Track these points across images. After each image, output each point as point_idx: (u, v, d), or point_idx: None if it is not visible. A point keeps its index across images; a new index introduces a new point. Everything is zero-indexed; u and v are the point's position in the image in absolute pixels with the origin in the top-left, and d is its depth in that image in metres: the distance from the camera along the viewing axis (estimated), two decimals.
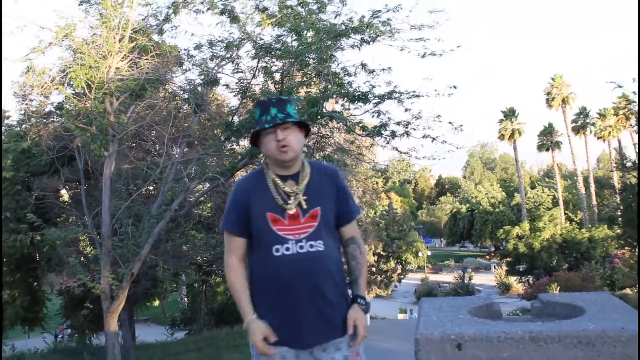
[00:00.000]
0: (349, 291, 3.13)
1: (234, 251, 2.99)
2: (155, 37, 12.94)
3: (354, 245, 3.08)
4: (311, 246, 2.87)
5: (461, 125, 11.71)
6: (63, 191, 17.33)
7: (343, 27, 11.57)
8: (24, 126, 15.74)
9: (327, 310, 2.91)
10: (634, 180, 9.66)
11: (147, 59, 12.43)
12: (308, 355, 2.91)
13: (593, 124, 56.17)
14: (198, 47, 12.85)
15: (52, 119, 14.59)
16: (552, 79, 56.38)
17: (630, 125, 46.08)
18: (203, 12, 12.40)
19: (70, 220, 16.18)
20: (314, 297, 2.87)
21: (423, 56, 11.60)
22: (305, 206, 2.91)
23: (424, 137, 11.89)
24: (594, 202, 56.03)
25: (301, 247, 2.86)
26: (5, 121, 17.29)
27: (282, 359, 2.87)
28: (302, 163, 3.02)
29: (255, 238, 2.96)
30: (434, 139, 11.85)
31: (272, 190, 2.93)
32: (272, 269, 2.88)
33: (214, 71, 13.08)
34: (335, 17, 11.79)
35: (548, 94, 56.44)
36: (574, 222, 54.67)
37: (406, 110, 11.88)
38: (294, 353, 2.89)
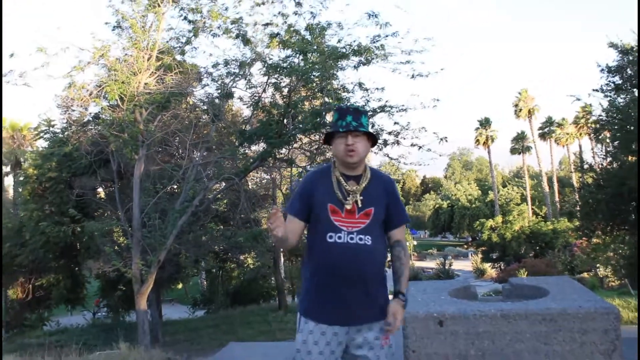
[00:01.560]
0: (390, 287, 3.13)
1: (291, 231, 2.91)
2: (178, 57, 12.97)
3: (399, 248, 3.06)
4: (360, 239, 2.86)
5: (445, 137, 11.81)
6: (99, 189, 17.35)
7: (344, 50, 11.61)
8: (66, 133, 15.75)
9: (365, 296, 2.89)
10: (590, 180, 9.64)
11: (172, 76, 12.45)
12: (344, 333, 2.88)
13: (554, 132, 56.13)
14: (215, 65, 12.89)
15: (90, 127, 14.59)
16: (519, 93, 56.38)
17: (588, 133, 45.97)
18: (219, 36, 12.43)
19: (106, 214, 16.21)
20: (355, 282, 2.86)
21: (412, 77, 11.68)
22: (360, 205, 2.90)
23: (412, 145, 11.98)
24: (557, 199, 55.89)
25: (351, 239, 2.85)
26: (50, 129, 17.29)
27: (322, 334, 2.86)
28: (365, 167, 3.01)
29: (313, 224, 2.95)
30: (420, 147, 11.94)
31: (335, 186, 2.92)
32: (323, 252, 2.87)
33: (229, 86, 13.11)
34: (338, 41, 11.83)
35: (516, 105, 56.39)
36: (539, 216, 54.57)
37: (395, 123, 11.96)
38: (332, 332, 2.87)
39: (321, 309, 2.88)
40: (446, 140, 11.87)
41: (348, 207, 2.88)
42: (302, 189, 2.98)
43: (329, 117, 12.26)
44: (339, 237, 2.85)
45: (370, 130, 2.95)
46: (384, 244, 3.03)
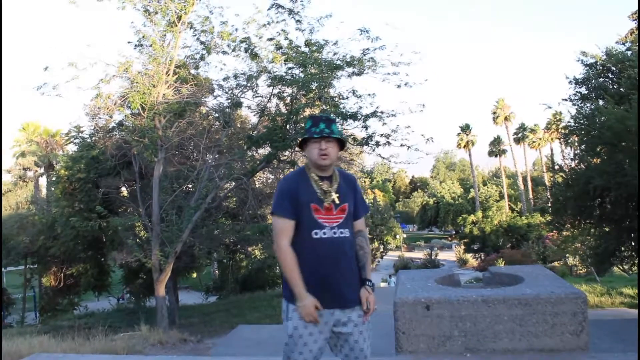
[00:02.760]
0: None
1: (287, 235, 2.91)
2: (193, 71, 12.99)
3: (361, 237, 3.09)
4: (341, 233, 2.93)
5: (432, 137, 11.90)
6: (123, 188, 17.31)
7: (339, 62, 11.70)
8: (93, 139, 15.72)
9: (350, 282, 2.94)
10: (560, 180, 9.62)
11: (187, 87, 12.47)
12: (330, 315, 2.91)
13: (528, 137, 56.20)
14: (226, 78, 12.93)
15: (114, 133, 14.57)
16: (497, 102, 56.49)
17: (558, 137, 45.93)
18: (228, 54, 12.47)
19: (128, 210, 16.17)
20: (341, 270, 2.90)
21: (399, 87, 11.82)
22: (337, 201, 2.95)
23: (401, 146, 12.03)
24: (531, 196, 55.94)
25: (334, 233, 2.91)
26: (79, 134, 17.26)
27: (320, 317, 2.88)
28: (333, 170, 3.06)
29: (298, 222, 2.96)
30: (409, 147, 12.00)
31: (314, 186, 2.95)
32: (311, 247, 2.89)
33: (238, 96, 13.12)
34: (334, 54, 11.89)
35: (494, 113, 56.49)
36: (515, 212, 54.57)
37: (384, 124, 12.03)
38: (320, 313, 2.88)
39: (313, 296, 2.88)
40: (432, 141, 11.98)
41: (327, 205, 2.93)
42: (288, 191, 2.96)
43: None
44: (324, 233, 2.90)
45: (341, 136, 3.02)
46: (353, 234, 3.07)
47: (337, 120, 12.21)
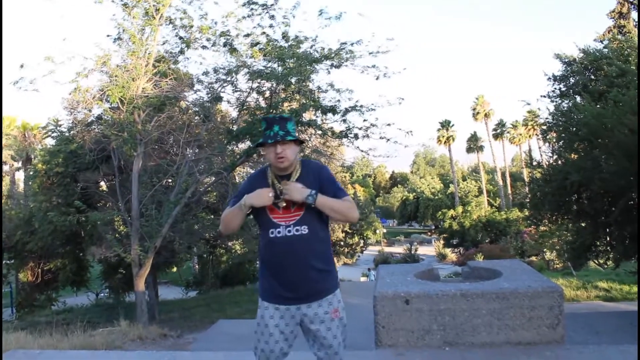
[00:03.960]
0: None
1: None
2: (172, 65, 12.90)
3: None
4: (297, 230, 2.89)
5: (411, 131, 11.99)
6: (102, 183, 17.14)
7: (317, 54, 11.72)
8: (71, 132, 15.53)
9: (309, 279, 2.91)
10: (538, 175, 9.73)
11: (167, 82, 12.39)
12: (295, 309, 2.93)
13: (508, 132, 56.72)
14: (205, 73, 12.86)
15: (93, 127, 14.42)
16: (476, 99, 56.93)
17: (536, 134, 46.47)
18: (208, 48, 12.41)
19: (107, 205, 16.02)
20: (299, 267, 2.88)
21: (377, 78, 11.90)
22: (283, 205, 2.92)
23: (380, 138, 12.10)
24: (509, 192, 56.51)
25: (289, 231, 2.88)
26: (57, 128, 17.05)
27: (276, 309, 2.92)
28: (294, 165, 3.00)
29: (258, 222, 3.02)
30: (388, 139, 12.07)
31: (271, 185, 2.95)
32: (268, 246, 2.93)
33: (218, 91, 13.07)
34: (311, 47, 11.90)
35: (474, 109, 56.92)
36: (494, 207, 55.10)
37: (364, 120, 12.07)
38: (284, 308, 2.92)
39: (271, 293, 2.95)
40: (411, 134, 12.08)
41: (282, 204, 2.91)
42: (243, 190, 3.01)
43: (306, 116, 12.37)
44: (279, 232, 2.90)
45: (295, 137, 2.95)
46: (324, 229, 3.03)
47: (317, 114, 12.24)
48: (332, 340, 2.96)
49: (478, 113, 56.36)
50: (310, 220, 2.92)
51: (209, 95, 13.17)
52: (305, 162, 3.07)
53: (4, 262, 20.95)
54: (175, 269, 29.37)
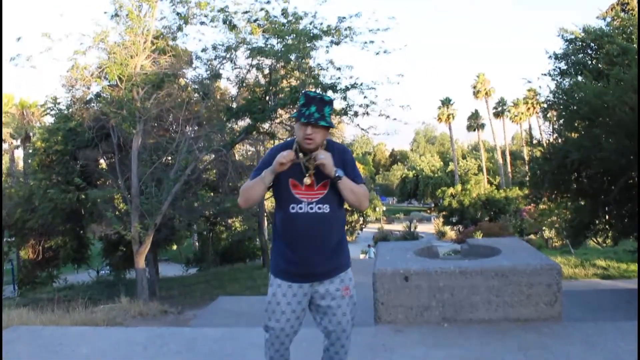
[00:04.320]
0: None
1: None
2: (171, 42, 12.83)
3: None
4: (319, 208, 2.86)
5: (408, 105, 11.99)
6: (101, 160, 17.12)
7: (317, 31, 11.66)
8: (70, 110, 15.47)
9: (325, 257, 2.91)
10: (538, 154, 9.71)
11: (165, 59, 12.34)
12: (308, 286, 2.93)
13: (509, 111, 56.49)
14: (204, 50, 12.81)
15: (92, 105, 14.38)
16: (477, 77, 56.59)
17: (537, 112, 46.30)
18: (206, 24, 12.32)
19: (107, 183, 16.04)
20: (315, 246, 2.87)
21: (377, 54, 11.88)
22: (308, 182, 2.88)
23: (380, 115, 12.10)
24: (509, 170, 56.50)
25: (311, 208, 2.86)
26: (56, 106, 16.98)
27: (289, 287, 2.91)
28: (322, 144, 2.94)
29: (277, 196, 2.96)
30: (387, 117, 12.07)
31: (299, 163, 2.89)
32: (287, 222, 2.89)
33: (217, 68, 13.01)
34: (310, 23, 11.83)
35: (474, 87, 56.64)
36: (493, 185, 55.13)
37: (365, 97, 12.05)
38: (297, 286, 2.92)
39: (287, 270, 2.92)
40: (410, 108, 12.09)
41: (307, 182, 2.88)
42: (267, 161, 2.91)
43: None
44: (300, 208, 2.86)
45: (329, 124, 2.87)
46: (342, 210, 3.03)
47: (315, 91, 12.21)
48: (342, 317, 2.97)
49: (479, 91, 56.10)
50: (331, 200, 2.91)
51: (208, 72, 13.12)
52: (330, 142, 3.02)
53: (5, 239, 21.05)
54: (175, 247, 29.50)
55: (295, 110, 2.95)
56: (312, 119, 2.80)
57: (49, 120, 19.06)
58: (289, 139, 3.14)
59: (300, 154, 2.89)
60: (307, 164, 2.87)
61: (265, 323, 2.98)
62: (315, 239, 2.87)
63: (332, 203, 2.91)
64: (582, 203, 9.48)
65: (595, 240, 11.54)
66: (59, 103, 16.40)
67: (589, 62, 10.24)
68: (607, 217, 9.20)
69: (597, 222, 9.47)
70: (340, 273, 2.97)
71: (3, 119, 37.40)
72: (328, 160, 2.80)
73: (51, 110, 17.16)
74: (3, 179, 21.63)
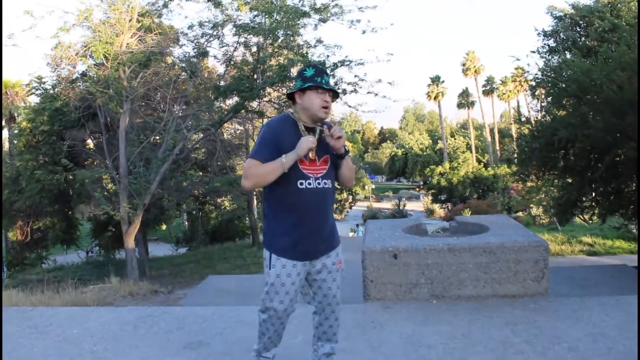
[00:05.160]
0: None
1: None
2: (157, 20, 12.68)
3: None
4: (325, 183, 2.88)
5: (394, 81, 12.01)
6: (89, 141, 17.00)
7: (306, 8, 11.57)
8: (56, 90, 15.31)
9: (329, 231, 2.95)
10: (526, 131, 9.74)
11: (151, 37, 12.19)
12: (308, 262, 2.93)
13: (497, 89, 56.48)
14: (191, 27, 12.66)
15: (78, 84, 14.23)
16: (467, 54, 56.43)
17: (525, 90, 46.38)
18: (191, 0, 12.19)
19: (95, 163, 15.95)
20: (322, 220, 2.89)
21: (364, 32, 11.82)
22: (320, 153, 2.88)
23: (368, 93, 12.08)
24: (497, 148, 56.72)
25: (318, 183, 2.85)
26: (41, 85, 16.78)
27: (294, 266, 2.87)
28: None
29: (282, 174, 2.84)
30: (376, 94, 12.05)
31: (300, 131, 2.85)
32: (297, 198, 2.83)
33: (204, 46, 12.89)
34: (299, 0, 11.74)
35: (464, 65, 56.52)
36: (482, 163, 55.31)
37: (355, 76, 12.01)
38: (301, 264, 2.90)
39: (295, 248, 2.87)
40: (397, 84, 12.10)
41: (312, 157, 2.85)
42: (270, 138, 2.84)
43: (294, 71, 12.24)
44: (309, 184, 2.83)
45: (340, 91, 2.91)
46: (334, 183, 3.06)
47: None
48: (336, 290, 3.02)
49: (468, 69, 55.99)
50: (331, 175, 2.94)
51: (195, 50, 13.00)
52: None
53: None
54: (164, 226, 29.49)
55: (293, 83, 2.89)
56: (330, 86, 2.83)
57: (34, 100, 18.86)
58: (282, 113, 3.07)
59: (320, 128, 2.88)
60: (324, 137, 2.85)
61: (265, 305, 2.93)
62: (322, 212, 2.89)
63: (332, 178, 2.95)
64: (569, 180, 9.56)
65: (581, 217, 11.67)
66: (44, 82, 16.22)
67: (578, 39, 10.25)
68: (593, 194, 9.29)
69: (583, 199, 9.56)
70: (336, 247, 3.01)
71: None
72: (344, 133, 2.83)
73: (36, 89, 16.96)
74: None
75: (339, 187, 36.64)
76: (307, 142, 2.75)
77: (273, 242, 2.92)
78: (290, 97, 2.96)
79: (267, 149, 2.81)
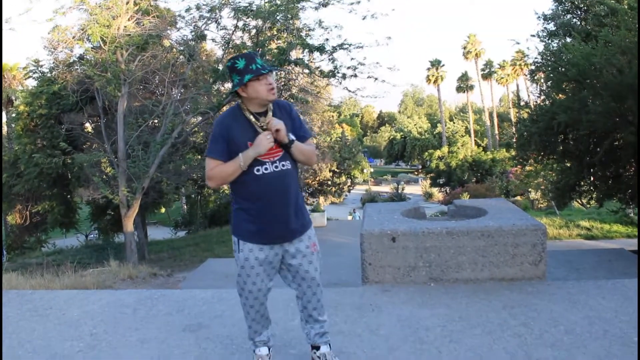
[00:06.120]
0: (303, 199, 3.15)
1: None
2: (154, 2, 12.61)
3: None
4: (283, 165, 2.88)
5: (395, 66, 11.92)
6: (87, 124, 16.95)
7: None
8: (53, 73, 15.25)
9: (295, 214, 2.94)
10: (525, 115, 9.73)
11: (149, 19, 12.12)
12: (279, 246, 2.95)
13: (495, 73, 56.30)
14: (188, 10, 12.55)
15: (75, 68, 14.17)
16: (468, 37, 56.19)
17: (524, 74, 46.20)
18: None
19: (93, 146, 15.90)
20: (286, 202, 2.89)
21: (364, 18, 11.70)
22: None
23: (368, 77, 12.02)
24: (496, 132, 56.68)
25: (276, 167, 2.86)
26: (38, 69, 16.71)
27: (261, 250, 2.91)
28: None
29: None
30: (375, 79, 11.99)
31: (249, 124, 2.87)
32: (255, 185, 2.86)
33: (202, 29, 12.81)
34: None
35: (464, 48, 56.28)
36: (480, 147, 55.36)
37: (352, 59, 11.94)
38: (268, 248, 2.93)
39: (260, 234, 2.91)
40: (398, 69, 12.02)
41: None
42: (219, 133, 2.90)
43: (294, 54, 12.19)
44: (265, 169, 2.85)
45: (273, 68, 2.90)
46: (297, 166, 3.06)
47: (305, 52, 12.14)
48: (314, 273, 3.03)
49: (469, 52, 55.77)
50: (289, 156, 2.92)
51: (193, 33, 12.92)
52: (275, 101, 2.99)
53: None
54: (163, 210, 29.53)
55: (236, 78, 2.85)
56: (268, 68, 2.82)
57: (31, 83, 18.79)
58: (232, 106, 3.08)
59: (262, 118, 2.88)
60: (266, 127, 2.85)
61: (240, 287, 3.01)
62: (284, 196, 2.88)
63: (291, 159, 2.93)
64: (568, 165, 9.56)
65: (579, 201, 11.69)
66: (41, 66, 16.14)
67: (578, 23, 10.19)
68: (591, 178, 9.29)
69: (582, 183, 9.57)
70: (307, 230, 3.01)
71: None
72: (282, 125, 2.82)
73: (33, 73, 16.89)
74: None
75: (337, 169, 36.71)
76: (267, 141, 2.80)
77: (238, 228, 2.98)
78: (235, 92, 2.94)
79: (218, 145, 2.88)
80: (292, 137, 2.89)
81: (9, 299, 4.86)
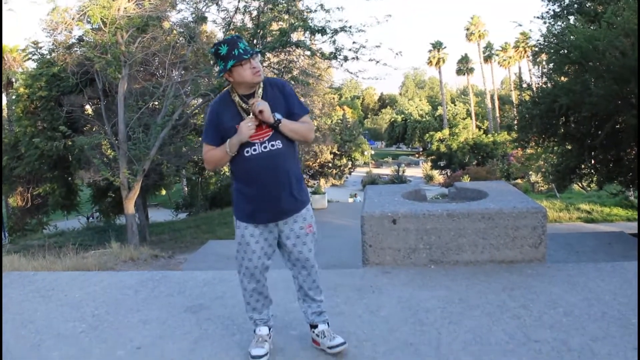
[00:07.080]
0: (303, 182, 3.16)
1: None
2: None
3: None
4: (272, 145, 2.88)
5: (400, 52, 11.84)
6: (87, 106, 16.91)
7: None
8: (53, 55, 15.17)
9: (288, 193, 2.95)
10: (527, 98, 9.67)
11: (149, 1, 12.04)
12: (273, 226, 3.00)
13: (497, 55, 56.01)
14: None
15: (75, 49, 14.09)
16: (471, 18, 55.84)
17: (527, 56, 45.95)
18: None
19: (94, 129, 15.89)
20: (277, 182, 2.91)
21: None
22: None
23: (369, 60, 11.96)
24: (497, 114, 56.52)
25: (265, 147, 2.88)
26: (38, 51, 16.62)
27: (256, 227, 2.97)
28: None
29: None
30: (377, 62, 11.93)
31: (237, 108, 2.91)
32: (245, 166, 2.91)
33: (202, 10, 12.72)
34: None
35: (467, 29, 55.94)
36: (481, 129, 55.24)
37: (354, 42, 11.86)
38: (263, 226, 2.98)
39: (251, 214, 2.97)
40: (401, 55, 11.93)
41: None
42: (210, 120, 3.00)
43: (295, 36, 12.12)
44: (254, 150, 2.88)
45: (256, 50, 2.91)
46: (294, 144, 3.05)
47: (306, 34, 12.07)
48: (308, 254, 3.06)
49: (472, 34, 55.45)
50: (282, 135, 2.92)
51: (194, 15, 12.83)
52: (265, 79, 3.01)
53: None
54: (164, 192, 29.55)
55: (221, 64, 2.87)
56: (250, 52, 2.84)
57: (31, 65, 18.71)
58: (223, 92, 3.11)
59: (243, 104, 2.90)
60: (250, 109, 2.86)
61: (238, 263, 3.07)
62: (273, 176, 2.90)
63: (283, 138, 2.93)
64: (569, 147, 9.54)
65: (580, 184, 11.69)
66: (40, 48, 16.06)
67: (585, 3, 10.10)
68: (592, 161, 9.28)
69: (582, 166, 9.56)
70: (302, 210, 3.03)
71: None
72: (265, 107, 2.83)
73: (33, 55, 16.80)
74: None
75: (337, 151, 36.68)
76: (247, 128, 2.83)
77: (236, 208, 3.06)
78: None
79: (209, 131, 3.00)
80: (279, 116, 2.88)
81: (12, 280, 4.88)
